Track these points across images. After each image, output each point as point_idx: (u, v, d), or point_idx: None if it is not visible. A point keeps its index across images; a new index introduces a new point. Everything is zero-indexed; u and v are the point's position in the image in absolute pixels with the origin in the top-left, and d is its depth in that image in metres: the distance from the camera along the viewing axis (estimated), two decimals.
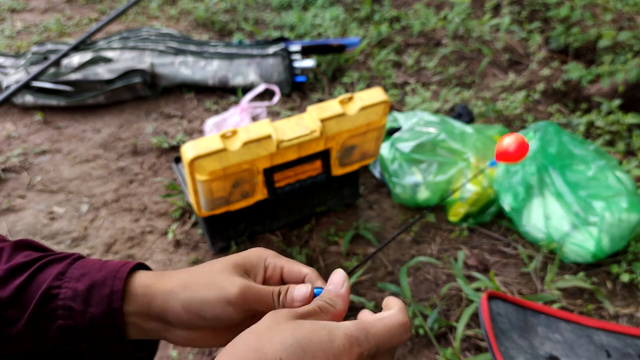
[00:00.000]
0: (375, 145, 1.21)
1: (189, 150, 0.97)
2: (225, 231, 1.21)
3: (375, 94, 1.11)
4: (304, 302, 0.39)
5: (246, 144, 1.00)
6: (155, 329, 0.42)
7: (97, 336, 0.40)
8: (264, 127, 1.03)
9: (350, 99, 1.10)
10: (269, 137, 1.02)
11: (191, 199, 1.09)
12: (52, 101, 1.72)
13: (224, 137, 1.00)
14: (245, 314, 0.40)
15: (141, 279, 0.42)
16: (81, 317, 0.39)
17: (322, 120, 1.07)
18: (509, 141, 0.34)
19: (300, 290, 0.40)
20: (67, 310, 0.39)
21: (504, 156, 0.34)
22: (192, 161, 0.97)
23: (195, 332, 0.42)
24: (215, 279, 0.40)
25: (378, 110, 1.11)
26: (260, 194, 1.14)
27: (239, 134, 1.01)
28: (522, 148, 0.33)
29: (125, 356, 0.43)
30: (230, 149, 1.00)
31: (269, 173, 1.11)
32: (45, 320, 0.40)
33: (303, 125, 1.06)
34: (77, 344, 0.41)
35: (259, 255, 0.43)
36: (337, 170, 1.20)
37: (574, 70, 1.82)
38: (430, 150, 1.32)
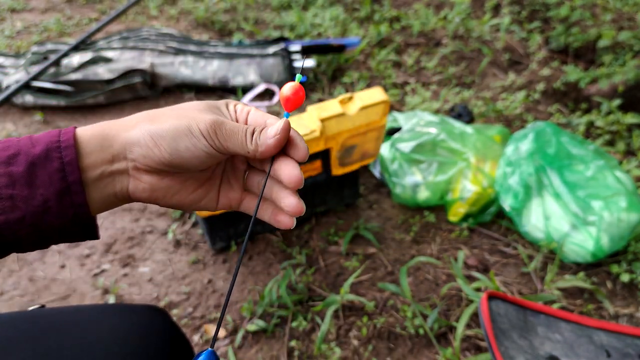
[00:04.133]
0: (375, 145, 1.21)
1: None
2: (225, 231, 1.21)
3: (375, 94, 1.11)
4: (278, 138, 0.37)
5: None
6: (118, 184, 0.37)
7: (52, 221, 0.35)
8: None
9: (350, 98, 1.10)
10: None
11: None
12: (52, 101, 1.72)
13: None
14: (216, 154, 0.38)
15: (90, 132, 0.36)
16: (27, 204, 0.34)
17: (322, 120, 1.07)
18: (286, 89, 0.38)
19: (273, 127, 0.38)
20: (6, 201, 0.33)
21: (287, 103, 0.38)
22: None
23: (162, 178, 0.38)
24: (185, 113, 0.38)
25: (378, 110, 1.11)
26: None
27: None
28: (297, 92, 0.38)
29: (77, 235, 0.38)
30: None
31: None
32: None
33: (303, 125, 1.06)
34: (24, 235, 0.35)
35: (226, 100, 0.42)
36: (337, 170, 1.20)
37: (573, 73, 1.82)
38: (430, 150, 1.32)
